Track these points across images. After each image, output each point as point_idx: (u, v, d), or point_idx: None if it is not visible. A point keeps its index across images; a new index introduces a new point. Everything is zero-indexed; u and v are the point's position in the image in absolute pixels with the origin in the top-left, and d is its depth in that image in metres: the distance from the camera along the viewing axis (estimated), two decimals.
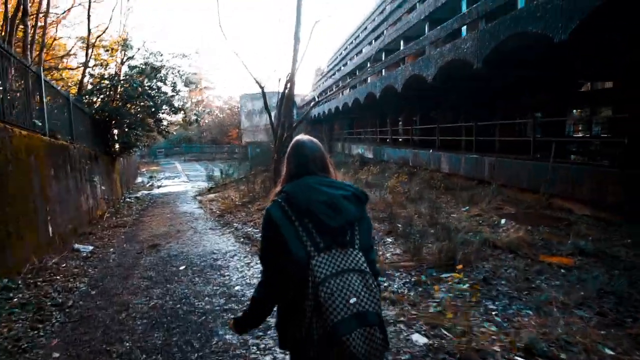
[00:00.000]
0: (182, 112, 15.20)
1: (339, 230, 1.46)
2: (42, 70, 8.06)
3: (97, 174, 11.73)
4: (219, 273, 5.16)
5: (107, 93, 14.01)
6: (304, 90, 48.12)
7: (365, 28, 24.84)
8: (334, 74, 31.53)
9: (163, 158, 45.29)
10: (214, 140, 51.78)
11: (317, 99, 22.00)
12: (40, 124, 7.62)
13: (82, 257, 6.35)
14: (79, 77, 13.48)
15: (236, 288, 4.67)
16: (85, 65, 13.23)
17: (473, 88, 13.39)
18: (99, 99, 13.90)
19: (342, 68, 28.48)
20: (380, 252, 5.45)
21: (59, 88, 9.31)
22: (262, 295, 1.58)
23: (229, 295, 4.44)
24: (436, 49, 11.55)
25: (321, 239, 1.43)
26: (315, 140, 1.72)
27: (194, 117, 15.61)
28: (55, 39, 20.24)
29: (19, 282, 4.68)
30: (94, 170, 11.29)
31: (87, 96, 13.23)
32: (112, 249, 6.94)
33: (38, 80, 7.88)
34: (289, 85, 9.03)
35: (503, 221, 6.69)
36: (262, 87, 9.01)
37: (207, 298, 4.34)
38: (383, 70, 18.36)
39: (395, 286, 4.39)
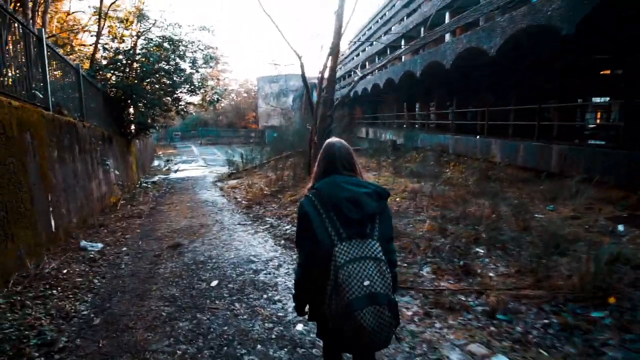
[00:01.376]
0: (202, 91, 13.83)
1: (360, 222, 1.68)
2: (44, 32, 6.73)
3: (111, 157, 10.52)
4: (265, 297, 3.79)
5: (123, 69, 12.70)
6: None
7: (394, 5, 22.93)
8: (357, 55, 29.65)
9: (179, 141, 44.31)
10: (230, 124, 50.51)
11: (358, 74, 20.28)
12: (41, 95, 6.35)
13: (89, 258, 5.11)
14: (92, 52, 12.16)
15: (298, 328, 3.20)
16: (98, 36, 11.93)
17: (542, 64, 11.52)
18: (113, 75, 12.62)
19: (367, 49, 26.64)
20: (478, 270, 4.07)
21: (65, 57, 8.00)
22: (299, 275, 1.85)
23: (291, 342, 2.99)
24: (503, 16, 9.80)
25: (344, 229, 1.67)
26: (344, 142, 1.97)
27: (215, 97, 14.24)
28: (69, 14, 18.96)
29: (0, 301, 3.44)
30: (107, 153, 10.07)
31: (100, 71, 11.92)
32: (124, 248, 5.70)
33: (39, 45, 6.57)
34: (330, 58, 7.55)
35: (620, 227, 5.23)
36: (300, 57, 7.58)
37: (259, 346, 2.93)
38: (420, 50, 16.63)
39: (530, 329, 2.99)
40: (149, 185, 14.05)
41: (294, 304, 1.97)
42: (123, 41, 13.29)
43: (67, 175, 6.60)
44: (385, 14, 24.84)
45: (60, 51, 8.42)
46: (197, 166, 22.24)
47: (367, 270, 1.59)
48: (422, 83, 16.10)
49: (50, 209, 5.65)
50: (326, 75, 7.52)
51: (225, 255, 5.10)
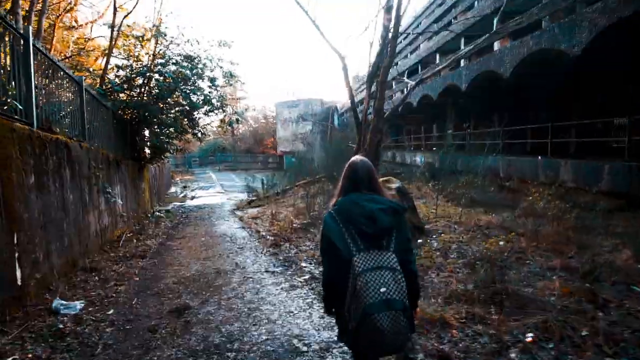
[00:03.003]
0: (222, 111, 12.49)
1: (376, 236, 1.80)
2: (31, 32, 5.40)
3: (118, 184, 9.08)
4: None
5: (138, 89, 11.53)
6: (336, 98, 45.25)
7: (433, 11, 20.94)
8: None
9: (197, 167, 43.43)
10: (248, 150, 49.67)
11: (408, 82, 18.85)
12: (20, 107, 4.94)
13: (56, 331, 3.47)
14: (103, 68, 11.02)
15: None
16: (109, 51, 10.82)
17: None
18: (127, 95, 11.42)
19: (398, 63, 24.98)
20: None
21: (62, 65, 6.68)
22: (324, 281, 2.02)
23: None
24: (592, 6, 7.95)
25: (361, 242, 1.79)
26: (366, 161, 2.11)
27: (234, 117, 12.88)
28: (90, 39, 18.22)
29: None
30: (114, 179, 8.63)
31: (111, 89, 10.72)
32: (111, 311, 4.04)
33: (25, 47, 5.23)
34: (382, 56, 5.97)
35: None
36: (342, 58, 6.06)
37: None
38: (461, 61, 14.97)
39: None
40: (162, 215, 12.57)
41: (323, 305, 2.35)
42: (139, 60, 12.17)
43: (50, 206, 5.08)
44: (437, 7, 21.75)
45: (57, 58, 7.11)
46: (215, 192, 20.87)
47: (383, 278, 1.69)
48: (463, 98, 14.44)
49: (16, 254, 4.10)
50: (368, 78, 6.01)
51: (252, 333, 3.33)
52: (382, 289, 1.66)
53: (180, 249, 7.25)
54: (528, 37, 9.46)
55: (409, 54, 23.62)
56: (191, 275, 5.30)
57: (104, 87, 10.40)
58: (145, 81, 11.74)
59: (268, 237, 7.73)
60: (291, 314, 3.69)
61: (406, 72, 21.27)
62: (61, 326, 3.60)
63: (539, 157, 10.88)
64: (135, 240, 8.21)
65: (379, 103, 5.33)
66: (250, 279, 4.95)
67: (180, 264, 6.04)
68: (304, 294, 4.22)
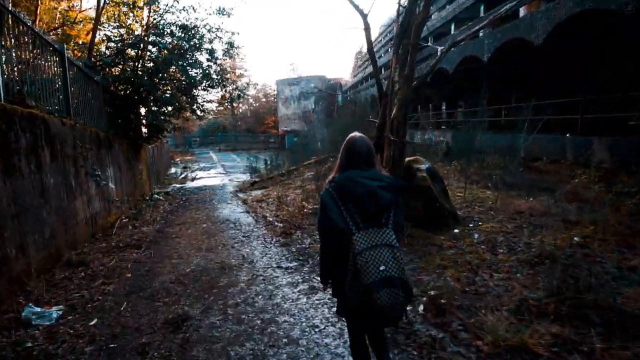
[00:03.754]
0: (222, 86, 11.55)
1: (375, 213, 1.79)
2: None
3: (111, 165, 8.29)
4: None
5: (131, 62, 10.57)
6: (339, 75, 43.77)
7: None
8: (386, 52, 26.95)
9: (197, 147, 42.46)
10: (249, 130, 48.56)
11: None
12: None
13: (22, 351, 2.74)
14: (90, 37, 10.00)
15: None
16: (97, 18, 9.79)
17: None
18: (120, 69, 10.48)
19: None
20: None
21: (36, 29, 5.77)
22: (324, 258, 2.00)
23: None
24: None
25: (361, 220, 1.78)
26: (365, 137, 2.02)
27: (236, 93, 11.94)
28: (81, 11, 16.99)
29: None
30: (105, 160, 7.83)
31: (101, 62, 9.78)
32: (94, 321, 3.31)
33: None
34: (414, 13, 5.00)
35: None
36: (364, 15, 5.11)
37: None
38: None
39: None
40: (161, 197, 11.83)
41: (320, 278, 2.18)
42: (131, 30, 11.14)
43: (24, 193, 4.31)
44: None
45: (25, 17, 6.20)
46: (216, 173, 20.08)
47: (383, 256, 1.70)
48: (484, 71, 13.34)
49: None
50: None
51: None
52: (382, 267, 1.67)
53: (179, 237, 6.52)
54: None
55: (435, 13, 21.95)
56: (191, 271, 4.56)
57: (92, 59, 9.45)
58: (139, 54, 10.79)
59: (276, 223, 6.98)
60: (317, 330, 2.91)
61: (431, 38, 19.45)
62: (29, 344, 2.87)
63: (567, 135, 10.03)
64: (130, 227, 7.48)
65: (408, 69, 4.47)
66: (261, 277, 4.20)
67: (179, 256, 5.30)
68: (329, 299, 3.43)
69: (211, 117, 53.10)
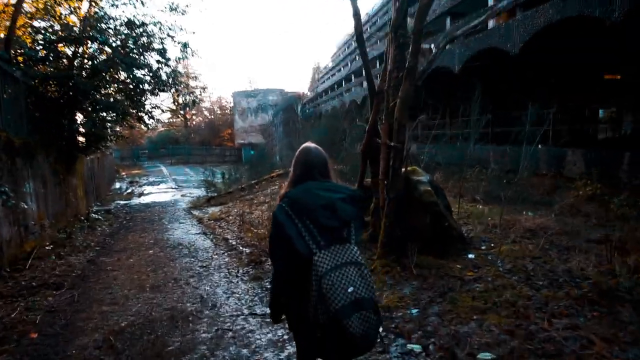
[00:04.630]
0: (174, 90, 10.18)
1: (337, 229, 1.57)
2: None
3: (30, 179, 6.70)
4: None
5: (68, 63, 9.03)
6: (297, 89, 43.12)
7: None
8: (345, 65, 26.58)
9: (147, 161, 39.50)
10: (203, 142, 46.18)
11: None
12: None
13: None
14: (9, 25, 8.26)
15: None
16: (19, 2, 8.09)
17: None
18: (51, 67, 8.85)
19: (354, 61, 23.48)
20: None
21: None
22: (276, 288, 1.76)
23: None
24: None
25: (321, 237, 1.53)
26: (319, 147, 1.81)
27: (190, 99, 10.59)
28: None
29: None
30: (21, 173, 6.26)
31: (25, 57, 8.16)
32: None
33: None
34: None
35: None
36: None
37: None
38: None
39: None
40: (100, 217, 10.14)
41: (270, 312, 1.83)
42: (66, 25, 9.53)
43: None
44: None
45: None
46: (167, 188, 18.27)
47: (349, 276, 1.49)
48: (453, 83, 12.95)
49: None
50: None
51: None
52: (350, 289, 1.46)
53: (117, 270, 5.12)
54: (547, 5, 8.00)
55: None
56: (129, 324, 3.27)
57: (11, 51, 7.77)
58: (76, 51, 9.22)
59: (241, 248, 5.77)
60: None
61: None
62: None
63: (539, 146, 9.78)
64: (54, 257, 5.94)
65: (411, 59, 3.61)
66: (229, 334, 2.99)
67: (113, 299, 3.96)
68: None
69: (162, 128, 50.29)
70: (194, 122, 52.61)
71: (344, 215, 1.57)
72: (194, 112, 51.48)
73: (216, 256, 5.59)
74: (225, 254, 5.66)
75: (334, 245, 1.53)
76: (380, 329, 1.75)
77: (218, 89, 65.34)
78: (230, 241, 6.35)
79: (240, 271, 4.66)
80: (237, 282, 4.29)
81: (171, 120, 48.97)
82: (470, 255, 3.81)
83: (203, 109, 52.67)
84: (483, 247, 4.05)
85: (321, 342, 1.54)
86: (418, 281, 3.42)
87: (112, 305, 3.79)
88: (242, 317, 3.31)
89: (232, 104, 44.41)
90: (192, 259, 5.49)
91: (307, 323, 1.57)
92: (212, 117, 52.58)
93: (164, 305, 3.68)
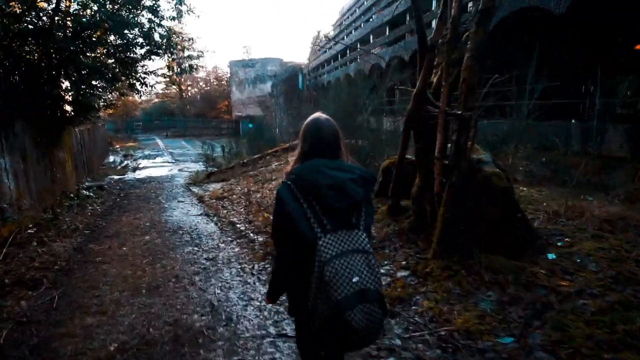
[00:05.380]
0: (169, 53, 9.08)
1: (345, 212, 1.42)
2: None
3: (7, 154, 5.80)
4: None
5: (48, 19, 7.90)
6: (295, 59, 41.22)
7: None
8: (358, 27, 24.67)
9: (141, 133, 38.12)
10: (199, 114, 44.63)
11: None
12: None
13: None
14: None
15: None
16: None
17: None
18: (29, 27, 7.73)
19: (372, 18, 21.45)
20: None
21: None
22: (277, 271, 1.62)
23: None
24: None
25: (328, 220, 1.39)
26: (331, 120, 1.64)
27: (187, 64, 9.50)
28: None
29: None
30: None
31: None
32: None
33: None
34: None
35: None
36: None
37: None
38: None
39: None
40: (91, 194, 9.28)
41: (267, 290, 1.71)
42: None
43: None
44: None
45: None
46: (163, 162, 17.32)
47: (355, 265, 1.36)
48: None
49: None
50: None
51: None
52: (355, 279, 1.33)
53: (107, 262, 4.32)
54: None
55: None
56: (119, 348, 2.48)
57: None
58: (58, 7, 8.06)
59: (252, 235, 4.96)
60: None
61: None
62: None
63: (572, 121, 8.90)
64: (35, 244, 5.10)
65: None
66: None
67: (100, 306, 3.16)
68: None
69: (156, 99, 48.55)
70: (190, 94, 50.82)
71: (354, 197, 1.41)
72: (189, 83, 49.66)
73: (223, 245, 4.78)
74: (234, 242, 4.85)
75: (340, 230, 1.39)
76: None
77: (214, 58, 62.62)
78: (238, 226, 5.53)
79: (256, 267, 3.86)
80: (254, 282, 3.49)
81: (166, 91, 47.27)
82: (551, 256, 3.02)
83: (199, 79, 50.77)
84: (560, 244, 3.28)
85: (319, 333, 1.44)
86: (495, 291, 2.65)
87: (99, 315, 2.99)
88: (269, 339, 2.52)
89: (228, 75, 42.63)
90: (196, 248, 4.69)
91: (306, 311, 1.44)
92: (208, 87, 50.71)
93: (165, 317, 2.89)
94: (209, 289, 3.41)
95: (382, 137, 7.09)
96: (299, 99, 22.97)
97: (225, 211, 6.68)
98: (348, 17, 26.88)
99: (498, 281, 2.74)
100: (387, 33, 17.49)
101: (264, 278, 3.56)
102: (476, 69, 2.88)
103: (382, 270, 3.25)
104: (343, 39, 26.17)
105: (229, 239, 5.02)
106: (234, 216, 6.20)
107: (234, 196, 7.82)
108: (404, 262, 3.23)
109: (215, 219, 6.26)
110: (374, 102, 7.14)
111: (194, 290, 3.40)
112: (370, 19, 19.75)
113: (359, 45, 20.26)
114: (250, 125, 31.95)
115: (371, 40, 20.03)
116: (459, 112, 2.90)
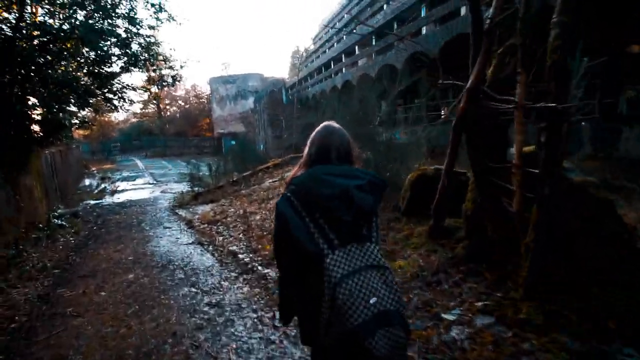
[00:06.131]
0: (149, 64, 8.20)
1: (354, 224, 1.23)
2: None
3: None
4: None
5: (10, 27, 7.02)
6: (277, 74, 40.69)
7: None
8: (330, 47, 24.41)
9: (119, 154, 36.48)
10: (179, 133, 43.29)
11: None
12: None
13: None
14: None
15: None
16: None
17: None
18: None
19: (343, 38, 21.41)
20: None
21: None
22: (281, 290, 1.46)
23: None
24: None
25: (335, 234, 1.22)
26: (344, 130, 1.47)
27: (169, 75, 8.60)
28: None
29: None
30: None
31: None
32: None
33: None
34: None
35: None
36: None
37: None
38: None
39: None
40: (64, 223, 8.19)
41: (279, 313, 1.57)
42: None
43: None
44: None
45: None
46: (144, 184, 16.21)
47: (371, 283, 1.17)
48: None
49: None
50: None
51: None
52: (372, 300, 1.14)
53: (81, 315, 3.37)
54: None
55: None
56: None
57: None
58: (22, 16, 7.14)
59: (260, 269, 4.08)
60: None
61: None
62: None
63: (582, 123, 8.48)
64: None
65: None
66: None
67: None
68: None
69: (134, 119, 46.90)
70: (169, 112, 49.50)
71: (363, 206, 1.21)
72: (167, 101, 48.37)
73: (227, 283, 3.89)
74: (240, 279, 3.96)
75: (350, 244, 1.21)
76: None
77: (192, 76, 61.39)
78: (241, 256, 4.64)
79: (277, 315, 3.01)
80: (281, 341, 2.61)
81: (144, 110, 45.89)
82: None
83: (177, 97, 49.57)
84: None
85: None
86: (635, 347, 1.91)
87: None
88: None
89: (208, 92, 41.66)
90: (193, 290, 3.78)
91: (319, 339, 1.23)
92: (188, 106, 49.50)
93: None
94: (220, 354, 2.52)
95: (395, 147, 6.36)
96: (284, 113, 22.25)
97: (221, 238, 5.77)
98: (329, 31, 26.60)
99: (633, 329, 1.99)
100: (374, 43, 17.10)
101: (293, 333, 2.68)
102: (566, 48, 2.19)
103: (450, 317, 2.45)
104: (325, 52, 25.80)
105: (233, 274, 4.13)
106: (232, 244, 5.30)
107: (229, 219, 6.92)
108: (479, 304, 2.45)
109: (210, 248, 5.35)
110: (391, 107, 6.42)
111: (200, 358, 2.50)
112: (354, 31, 19.43)
113: (356, 49, 19.79)
114: (233, 142, 31.02)
115: (356, 52, 19.63)
116: (553, 105, 2.19)
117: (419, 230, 3.76)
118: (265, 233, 5.39)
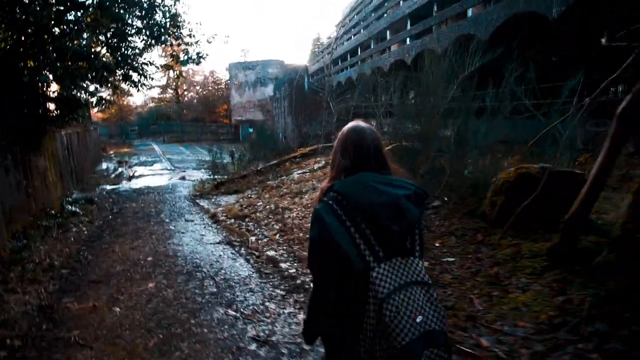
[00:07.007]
0: (173, 39, 7.33)
1: (400, 236, 1.13)
2: None
3: None
4: None
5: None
6: (296, 61, 39.43)
7: None
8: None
9: (137, 138, 36.05)
10: (196, 119, 42.66)
11: None
12: None
13: None
14: None
15: None
16: None
17: None
18: None
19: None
20: None
21: None
22: (312, 306, 1.29)
23: None
24: None
25: (380, 246, 1.11)
26: (373, 128, 1.31)
27: (195, 53, 7.71)
28: None
29: None
30: None
31: None
32: None
33: None
34: None
35: None
36: None
37: None
38: None
39: None
40: (78, 209, 7.49)
41: (303, 329, 1.33)
42: None
43: None
44: None
45: None
46: (161, 169, 15.52)
47: (416, 300, 1.07)
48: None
49: None
50: None
51: None
52: (419, 318, 1.04)
53: (88, 345, 2.55)
54: None
55: None
56: None
57: None
58: None
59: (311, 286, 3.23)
60: None
61: None
62: None
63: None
64: None
65: None
66: None
67: None
68: None
69: (152, 104, 46.52)
70: (186, 98, 48.94)
71: (411, 218, 1.11)
72: (185, 87, 47.77)
73: (274, 306, 3.02)
74: (290, 299, 3.10)
75: (395, 257, 1.10)
76: None
77: (212, 59, 60.30)
78: (284, 266, 3.78)
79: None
80: None
81: (162, 95, 45.40)
82: None
83: (195, 83, 48.91)
84: None
85: None
86: None
87: None
88: None
89: (227, 78, 40.82)
90: (231, 312, 2.93)
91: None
92: (206, 92, 48.77)
93: None
94: None
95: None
96: (305, 101, 21.25)
97: (253, 238, 4.92)
98: (354, 17, 25.32)
99: None
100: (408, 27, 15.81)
101: None
102: None
103: None
104: (350, 38, 24.57)
105: (279, 291, 3.26)
106: (269, 247, 4.44)
107: (259, 214, 6.08)
108: None
109: (243, 250, 4.51)
110: (466, 93, 5.36)
111: None
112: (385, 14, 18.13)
113: (372, 43, 18.57)
114: (250, 130, 30.24)
115: (388, 37, 18.31)
116: None
117: (528, 247, 2.82)
118: (307, 236, 4.52)
